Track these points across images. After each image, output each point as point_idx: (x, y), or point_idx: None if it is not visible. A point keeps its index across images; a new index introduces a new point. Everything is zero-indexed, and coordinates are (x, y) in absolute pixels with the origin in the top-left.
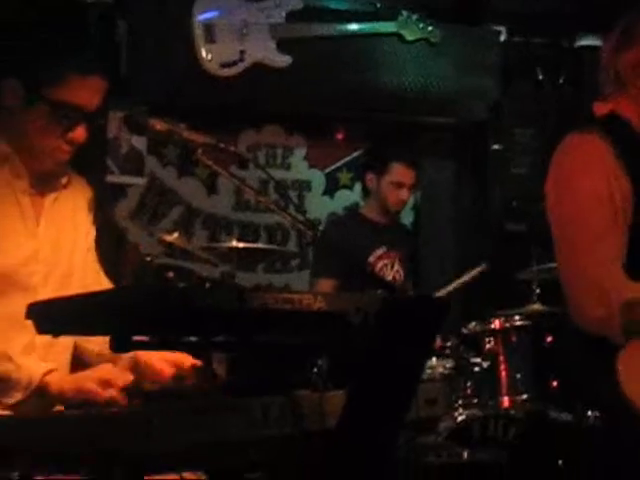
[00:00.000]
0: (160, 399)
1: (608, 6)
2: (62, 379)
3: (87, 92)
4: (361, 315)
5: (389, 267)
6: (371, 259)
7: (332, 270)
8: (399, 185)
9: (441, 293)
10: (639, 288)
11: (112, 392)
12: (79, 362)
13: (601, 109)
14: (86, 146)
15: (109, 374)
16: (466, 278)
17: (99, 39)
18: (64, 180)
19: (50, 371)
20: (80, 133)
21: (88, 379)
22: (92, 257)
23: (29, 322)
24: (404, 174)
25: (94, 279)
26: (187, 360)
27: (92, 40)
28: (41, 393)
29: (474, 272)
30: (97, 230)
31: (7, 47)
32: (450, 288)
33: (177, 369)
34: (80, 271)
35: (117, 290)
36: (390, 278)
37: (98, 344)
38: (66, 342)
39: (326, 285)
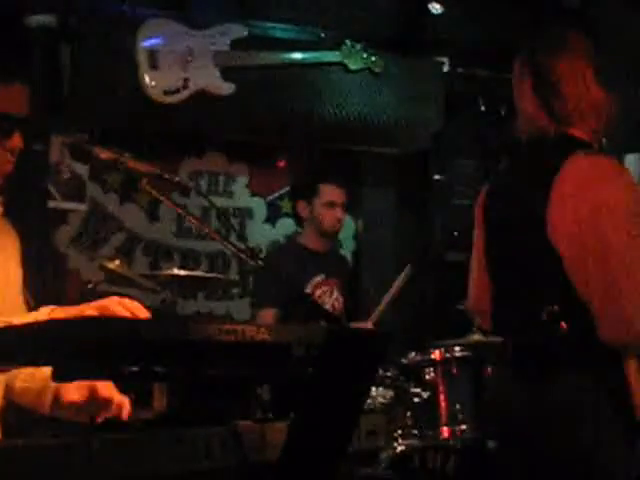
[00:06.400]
0: (100, 430)
1: None
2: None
3: (11, 99)
4: (304, 347)
5: (328, 294)
6: (309, 287)
7: (273, 300)
8: (331, 204)
9: (378, 308)
10: None
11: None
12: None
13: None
14: (27, 171)
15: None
16: (397, 284)
17: (40, 60)
18: None
19: None
20: (17, 141)
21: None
22: (23, 306)
23: None
24: (334, 193)
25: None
26: (105, 391)
27: (15, 51)
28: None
29: (403, 277)
30: (37, 257)
31: None
32: (386, 301)
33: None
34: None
35: (59, 320)
36: (329, 306)
37: (23, 380)
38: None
39: (268, 315)
